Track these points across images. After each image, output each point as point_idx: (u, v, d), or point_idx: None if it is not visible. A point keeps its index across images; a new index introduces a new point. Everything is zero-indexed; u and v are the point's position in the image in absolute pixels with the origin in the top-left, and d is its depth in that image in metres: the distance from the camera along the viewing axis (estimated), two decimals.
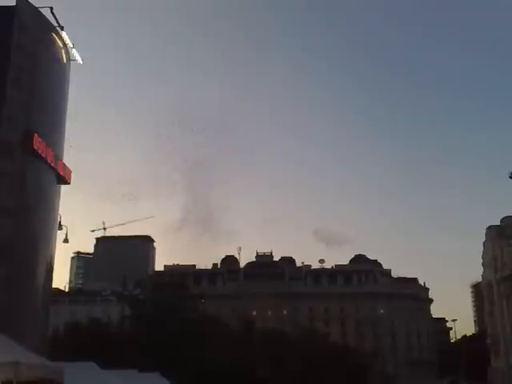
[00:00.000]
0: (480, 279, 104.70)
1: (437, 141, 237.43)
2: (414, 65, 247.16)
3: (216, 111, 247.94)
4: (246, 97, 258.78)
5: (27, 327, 20.20)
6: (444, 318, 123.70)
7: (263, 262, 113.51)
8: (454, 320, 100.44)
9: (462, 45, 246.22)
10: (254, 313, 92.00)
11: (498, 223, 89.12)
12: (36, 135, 21.20)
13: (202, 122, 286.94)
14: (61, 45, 24.47)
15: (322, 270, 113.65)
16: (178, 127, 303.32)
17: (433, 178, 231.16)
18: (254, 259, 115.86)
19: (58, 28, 24.02)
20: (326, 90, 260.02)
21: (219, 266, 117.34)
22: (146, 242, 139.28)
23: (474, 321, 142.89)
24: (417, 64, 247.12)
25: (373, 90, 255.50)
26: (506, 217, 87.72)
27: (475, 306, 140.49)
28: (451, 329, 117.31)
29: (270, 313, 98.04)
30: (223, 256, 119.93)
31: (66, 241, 25.88)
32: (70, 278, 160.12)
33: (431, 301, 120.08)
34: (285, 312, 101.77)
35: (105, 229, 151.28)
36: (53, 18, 23.49)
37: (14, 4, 21.76)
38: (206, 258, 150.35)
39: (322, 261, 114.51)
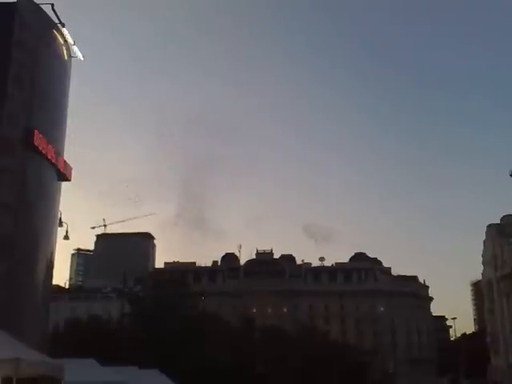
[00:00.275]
0: (480, 277, 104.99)
1: (440, 141, 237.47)
2: (420, 64, 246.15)
3: (219, 109, 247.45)
4: (249, 94, 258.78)
5: (27, 324, 20.19)
6: (444, 316, 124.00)
7: (263, 260, 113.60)
8: (453, 318, 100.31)
9: (468, 44, 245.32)
10: (254, 310, 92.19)
11: (498, 222, 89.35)
12: (36, 131, 21.16)
13: (205, 120, 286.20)
14: (62, 42, 24.40)
15: (322, 268, 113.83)
16: (181, 125, 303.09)
17: (435, 177, 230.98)
18: (254, 257, 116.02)
19: (59, 25, 23.95)
20: (329, 88, 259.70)
21: (219, 264, 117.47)
22: (146, 238, 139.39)
23: (474, 319, 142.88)
24: (422, 63, 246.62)
25: (377, 90, 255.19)
26: (506, 215, 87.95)
27: (475, 304, 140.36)
28: (451, 327, 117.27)
29: (270, 310, 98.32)
30: (223, 253, 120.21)
31: (66, 238, 25.85)
32: (70, 274, 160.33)
33: (431, 299, 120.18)
34: (285, 310, 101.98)
35: (105, 226, 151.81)
36: (54, 14, 23.43)
37: (15, 1, 21.73)
38: (204, 256, 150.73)
39: (321, 259, 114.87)
